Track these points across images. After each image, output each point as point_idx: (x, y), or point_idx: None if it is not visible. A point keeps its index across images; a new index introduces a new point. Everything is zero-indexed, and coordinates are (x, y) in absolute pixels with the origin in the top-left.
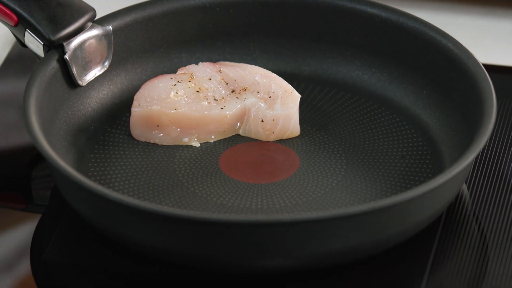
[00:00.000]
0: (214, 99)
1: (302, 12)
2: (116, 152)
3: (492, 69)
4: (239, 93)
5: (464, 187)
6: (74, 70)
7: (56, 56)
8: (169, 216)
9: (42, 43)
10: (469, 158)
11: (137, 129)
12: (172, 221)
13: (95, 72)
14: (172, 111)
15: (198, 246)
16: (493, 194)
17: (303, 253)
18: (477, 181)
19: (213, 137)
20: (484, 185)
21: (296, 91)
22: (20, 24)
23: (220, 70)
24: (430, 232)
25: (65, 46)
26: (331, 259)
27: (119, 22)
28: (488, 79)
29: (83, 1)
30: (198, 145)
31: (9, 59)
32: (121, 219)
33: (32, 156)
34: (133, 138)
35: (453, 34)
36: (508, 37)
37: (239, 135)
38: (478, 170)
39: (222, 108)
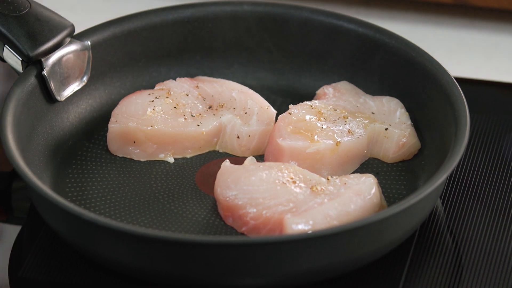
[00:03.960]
0: (191, 115)
1: (280, 26)
2: (94, 167)
3: (469, 82)
4: (216, 109)
5: (439, 202)
6: (52, 86)
7: (34, 72)
8: (141, 236)
9: (20, 59)
10: (442, 177)
11: (114, 145)
12: (144, 241)
13: (74, 87)
14: (149, 128)
15: (171, 265)
16: (468, 208)
17: (275, 272)
18: (452, 196)
19: (189, 151)
20: (459, 199)
21: (272, 107)
22: None
23: (197, 86)
24: (404, 249)
25: (43, 62)
26: (303, 278)
27: (98, 36)
28: (462, 98)
29: (61, 17)
30: (172, 161)
31: None
32: (95, 238)
33: (12, 167)
34: (110, 153)
35: (431, 47)
36: (486, 50)
37: (216, 150)
38: (453, 184)
39: (198, 125)
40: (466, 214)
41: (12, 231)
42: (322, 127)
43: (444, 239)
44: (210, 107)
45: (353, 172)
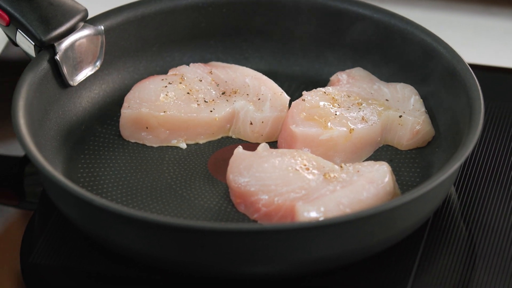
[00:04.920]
0: (204, 101)
1: (295, 12)
2: (106, 153)
3: (485, 69)
4: (229, 95)
5: (453, 189)
6: (65, 70)
7: (47, 57)
8: (152, 223)
9: (33, 43)
10: (455, 165)
11: (126, 130)
12: (155, 227)
13: (87, 72)
14: (161, 113)
15: (182, 252)
16: (482, 195)
17: (286, 260)
18: (466, 183)
19: (202, 137)
20: (473, 187)
21: (285, 94)
22: (11, 24)
23: (211, 71)
24: (416, 237)
25: (56, 47)
26: (315, 266)
27: (111, 21)
28: (477, 85)
29: (74, 1)
30: (185, 146)
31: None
32: (107, 224)
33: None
34: (123, 139)
35: (447, 33)
36: (503, 36)
37: (229, 136)
38: (467, 171)
39: (211, 111)
40: (480, 201)
41: (24, 216)
42: (336, 114)
43: (458, 226)
44: (223, 93)
45: (367, 159)
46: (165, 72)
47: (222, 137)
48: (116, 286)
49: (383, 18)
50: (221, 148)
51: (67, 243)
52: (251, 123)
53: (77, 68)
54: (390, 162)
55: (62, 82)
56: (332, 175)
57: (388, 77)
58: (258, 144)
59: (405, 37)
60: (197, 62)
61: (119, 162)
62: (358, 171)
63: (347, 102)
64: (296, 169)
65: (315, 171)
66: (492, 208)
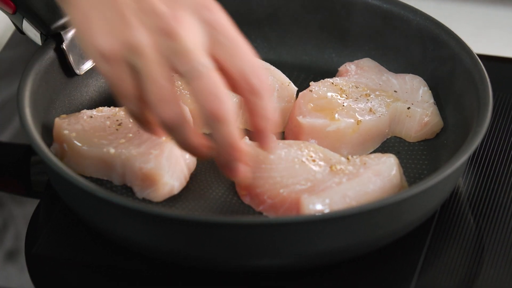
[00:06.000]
0: None
1: (304, 1)
2: None
3: (496, 60)
4: None
5: (460, 181)
6: (71, 59)
7: (53, 45)
8: (157, 215)
9: (40, 31)
10: (463, 158)
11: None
12: (159, 221)
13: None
14: None
15: (186, 245)
16: (490, 188)
17: (291, 253)
18: (474, 175)
19: None
20: (481, 179)
21: (293, 84)
22: (18, 12)
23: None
24: (423, 230)
25: (63, 35)
26: (321, 259)
27: None
28: (486, 77)
29: None
30: None
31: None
32: (111, 217)
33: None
34: None
35: (459, 24)
36: None
37: None
38: (475, 163)
39: None
40: (488, 194)
41: (30, 205)
42: (343, 105)
43: (466, 219)
44: None
45: (374, 151)
46: None
47: None
48: (120, 278)
49: (393, 8)
50: None
51: (71, 234)
52: None
53: (83, 57)
54: (397, 154)
55: (68, 70)
56: (338, 167)
57: (396, 68)
58: None
59: (414, 27)
60: None
61: None
62: (364, 164)
63: (355, 93)
64: (302, 161)
65: (322, 163)
66: (501, 201)
